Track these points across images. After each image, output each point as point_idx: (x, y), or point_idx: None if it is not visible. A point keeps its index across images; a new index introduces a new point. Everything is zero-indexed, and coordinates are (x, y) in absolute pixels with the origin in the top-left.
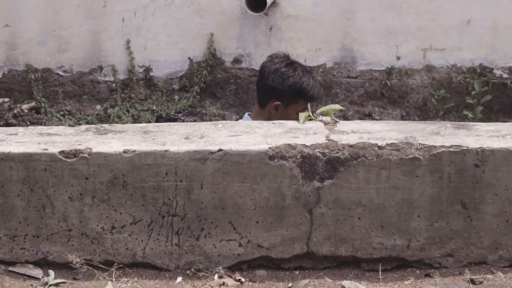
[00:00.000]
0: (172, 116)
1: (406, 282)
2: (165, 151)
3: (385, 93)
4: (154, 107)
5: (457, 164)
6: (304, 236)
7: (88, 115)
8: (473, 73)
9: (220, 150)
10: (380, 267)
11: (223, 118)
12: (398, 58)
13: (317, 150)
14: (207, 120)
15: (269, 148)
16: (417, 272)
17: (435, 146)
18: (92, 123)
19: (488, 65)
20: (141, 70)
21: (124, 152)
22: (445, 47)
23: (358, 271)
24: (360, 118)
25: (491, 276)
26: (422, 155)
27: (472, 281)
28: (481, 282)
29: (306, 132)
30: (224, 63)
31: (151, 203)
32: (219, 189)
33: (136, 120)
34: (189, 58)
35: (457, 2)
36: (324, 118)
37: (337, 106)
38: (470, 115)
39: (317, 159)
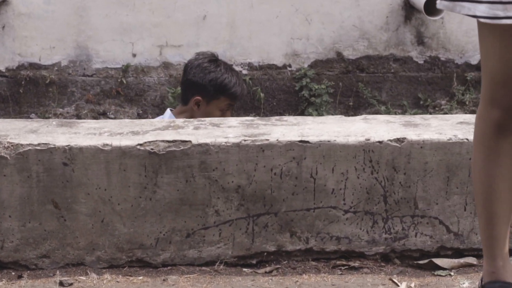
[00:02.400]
0: None
1: None
2: None
3: (120, 91)
4: None
5: (45, 162)
6: None
7: None
8: None
9: None
10: None
11: None
12: (134, 55)
13: None
14: None
15: None
16: (12, 273)
17: (22, 145)
18: None
19: (227, 61)
20: None
21: None
22: (181, 44)
23: None
24: (94, 117)
25: (84, 278)
26: (9, 153)
27: (61, 283)
28: (71, 284)
29: None
30: None
31: None
32: None
33: None
34: None
35: None
36: None
37: None
38: None
39: None
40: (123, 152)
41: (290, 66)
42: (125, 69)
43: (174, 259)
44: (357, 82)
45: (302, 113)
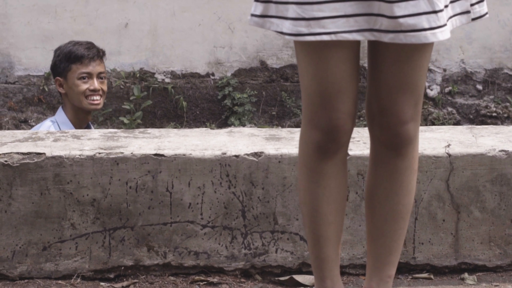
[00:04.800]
0: None
1: None
2: None
3: (42, 98)
4: None
5: None
6: None
7: None
8: (133, 78)
9: None
10: None
11: None
12: None
13: None
14: None
15: None
16: None
17: None
18: None
19: (149, 69)
20: None
21: None
22: None
23: None
24: (15, 125)
25: None
26: None
27: None
28: None
29: None
30: None
31: None
32: None
33: None
34: None
35: (114, 5)
36: None
37: None
38: (125, 121)
39: None
40: None
41: (213, 74)
42: (47, 76)
43: (31, 272)
44: (281, 91)
45: (225, 122)
